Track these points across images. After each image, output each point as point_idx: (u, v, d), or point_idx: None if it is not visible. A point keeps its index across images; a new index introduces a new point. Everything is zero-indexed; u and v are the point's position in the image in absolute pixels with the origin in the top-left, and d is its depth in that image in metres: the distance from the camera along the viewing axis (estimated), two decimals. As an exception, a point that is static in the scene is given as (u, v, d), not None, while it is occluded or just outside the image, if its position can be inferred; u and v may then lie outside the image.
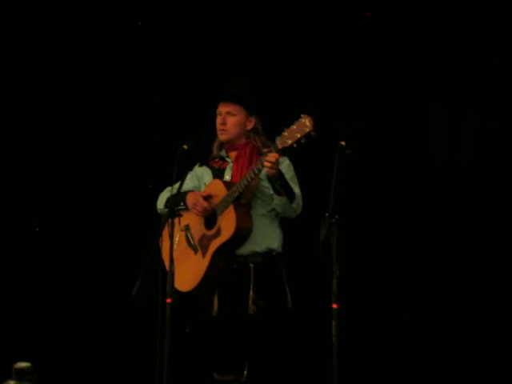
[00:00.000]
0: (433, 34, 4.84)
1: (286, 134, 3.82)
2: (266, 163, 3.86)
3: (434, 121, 4.81)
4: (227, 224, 4.05)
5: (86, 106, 5.46)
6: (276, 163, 3.86)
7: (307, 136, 3.75)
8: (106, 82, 5.44)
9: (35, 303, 5.34)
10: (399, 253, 4.78)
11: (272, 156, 3.85)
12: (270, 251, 4.12)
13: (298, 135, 3.76)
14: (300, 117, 3.77)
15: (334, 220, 3.50)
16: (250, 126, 4.25)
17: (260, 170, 3.94)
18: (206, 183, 4.28)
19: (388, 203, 4.81)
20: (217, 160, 4.33)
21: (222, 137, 4.26)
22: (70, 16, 5.47)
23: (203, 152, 4.28)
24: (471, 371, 4.63)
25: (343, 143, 3.62)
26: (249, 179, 3.99)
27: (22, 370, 4.48)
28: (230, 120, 4.23)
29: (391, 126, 4.87)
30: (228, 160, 4.29)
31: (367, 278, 4.77)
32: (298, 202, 4.07)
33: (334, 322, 3.48)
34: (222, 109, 4.25)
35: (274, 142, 3.87)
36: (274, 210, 4.13)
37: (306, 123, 3.74)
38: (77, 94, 5.48)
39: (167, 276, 3.77)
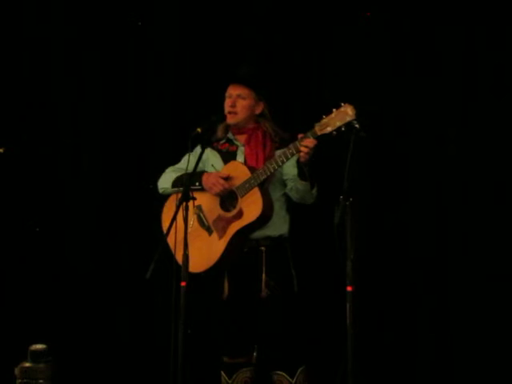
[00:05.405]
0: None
1: (325, 120, 3.79)
2: (302, 148, 3.85)
3: (447, 100, 4.77)
4: (251, 207, 4.04)
5: (97, 92, 5.45)
6: (313, 149, 3.86)
7: (347, 125, 3.72)
8: (118, 69, 5.41)
9: (50, 286, 5.36)
10: (414, 234, 4.76)
11: (310, 141, 3.85)
12: (280, 235, 4.14)
13: (339, 123, 3.74)
14: (340, 105, 3.74)
15: (348, 203, 3.51)
16: (258, 111, 4.24)
17: (293, 155, 3.93)
18: (214, 165, 4.25)
19: (402, 185, 4.79)
20: (222, 142, 4.31)
21: (230, 120, 4.23)
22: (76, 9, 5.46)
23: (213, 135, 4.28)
24: (488, 352, 4.62)
25: (357, 125, 3.61)
26: (279, 163, 3.98)
27: (37, 352, 4.50)
28: (240, 103, 4.21)
29: (405, 105, 4.83)
30: (237, 143, 4.27)
31: (382, 260, 4.75)
32: (316, 189, 4.08)
33: (348, 305, 3.49)
34: (233, 91, 4.23)
35: (282, 128, 3.86)
36: (285, 194, 4.16)
37: (347, 112, 3.72)
38: (87, 78, 5.46)
39: (182, 259, 3.77)
